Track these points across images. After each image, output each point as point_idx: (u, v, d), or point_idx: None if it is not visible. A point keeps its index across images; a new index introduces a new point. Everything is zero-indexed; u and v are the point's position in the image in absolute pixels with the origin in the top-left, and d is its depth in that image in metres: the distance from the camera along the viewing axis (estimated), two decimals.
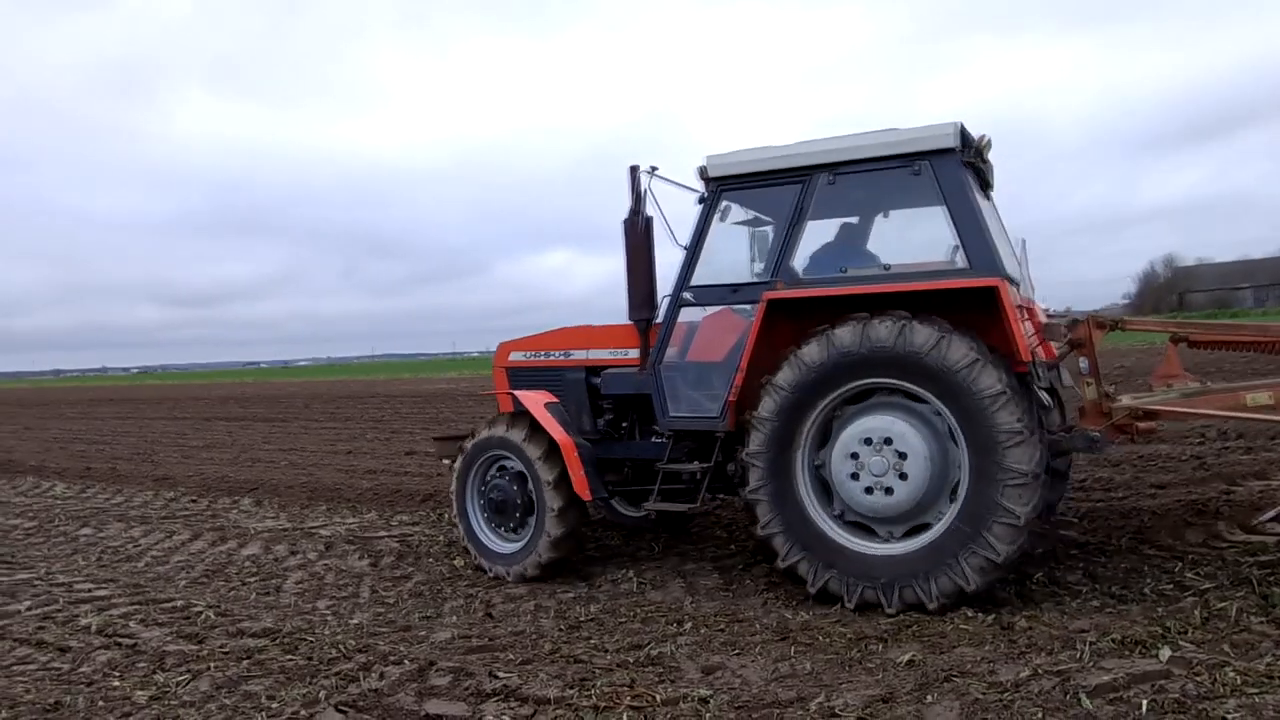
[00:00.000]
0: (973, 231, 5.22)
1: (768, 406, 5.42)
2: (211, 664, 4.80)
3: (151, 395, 41.98)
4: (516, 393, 6.64)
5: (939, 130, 5.35)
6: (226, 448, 16.38)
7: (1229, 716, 3.45)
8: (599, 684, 4.26)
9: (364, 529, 8.45)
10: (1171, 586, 5.22)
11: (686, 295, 6.06)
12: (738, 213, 6.23)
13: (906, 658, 4.36)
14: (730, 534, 7.40)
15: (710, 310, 6.16)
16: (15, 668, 4.97)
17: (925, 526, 5.21)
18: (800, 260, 5.78)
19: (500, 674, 4.43)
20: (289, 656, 4.88)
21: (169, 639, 5.30)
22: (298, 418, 22.67)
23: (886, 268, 5.71)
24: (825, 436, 5.46)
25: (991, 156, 5.98)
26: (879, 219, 6.26)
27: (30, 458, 16.29)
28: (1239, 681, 3.75)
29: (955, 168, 5.32)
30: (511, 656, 4.75)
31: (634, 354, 6.40)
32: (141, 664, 4.90)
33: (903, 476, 5.13)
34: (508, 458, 6.45)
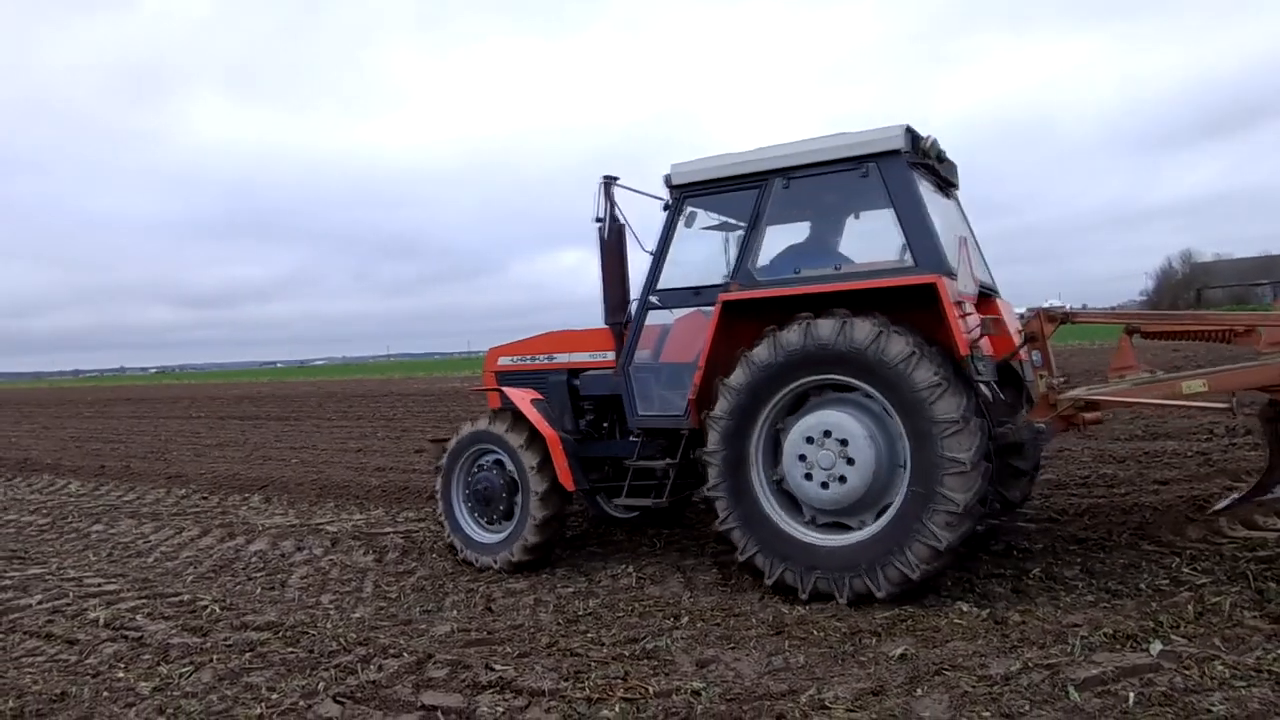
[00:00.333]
0: (918, 231, 5.36)
1: (722, 406, 5.62)
2: (214, 656, 4.89)
3: (168, 395, 42.37)
4: (505, 389, 6.90)
5: (885, 133, 5.50)
6: (239, 446, 16.54)
7: (1215, 709, 3.48)
8: (593, 676, 4.32)
9: (370, 525, 8.54)
10: (1168, 582, 5.23)
11: (653, 299, 6.27)
12: (706, 218, 6.40)
13: (899, 651, 4.39)
14: None
15: (681, 313, 6.32)
16: (24, 659, 5.08)
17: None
18: (758, 262, 5.94)
19: (497, 666, 4.49)
20: (290, 649, 4.96)
21: (174, 632, 5.39)
22: (310, 416, 22.84)
23: (837, 268, 5.89)
24: (778, 444, 5.63)
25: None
26: (844, 220, 6.39)
27: (46, 456, 16.49)
28: (1227, 675, 3.77)
29: (901, 169, 5.45)
30: (509, 649, 4.81)
31: (611, 356, 6.63)
32: (146, 656, 4.99)
33: (849, 462, 5.25)
34: (493, 451, 6.69)
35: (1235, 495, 5.92)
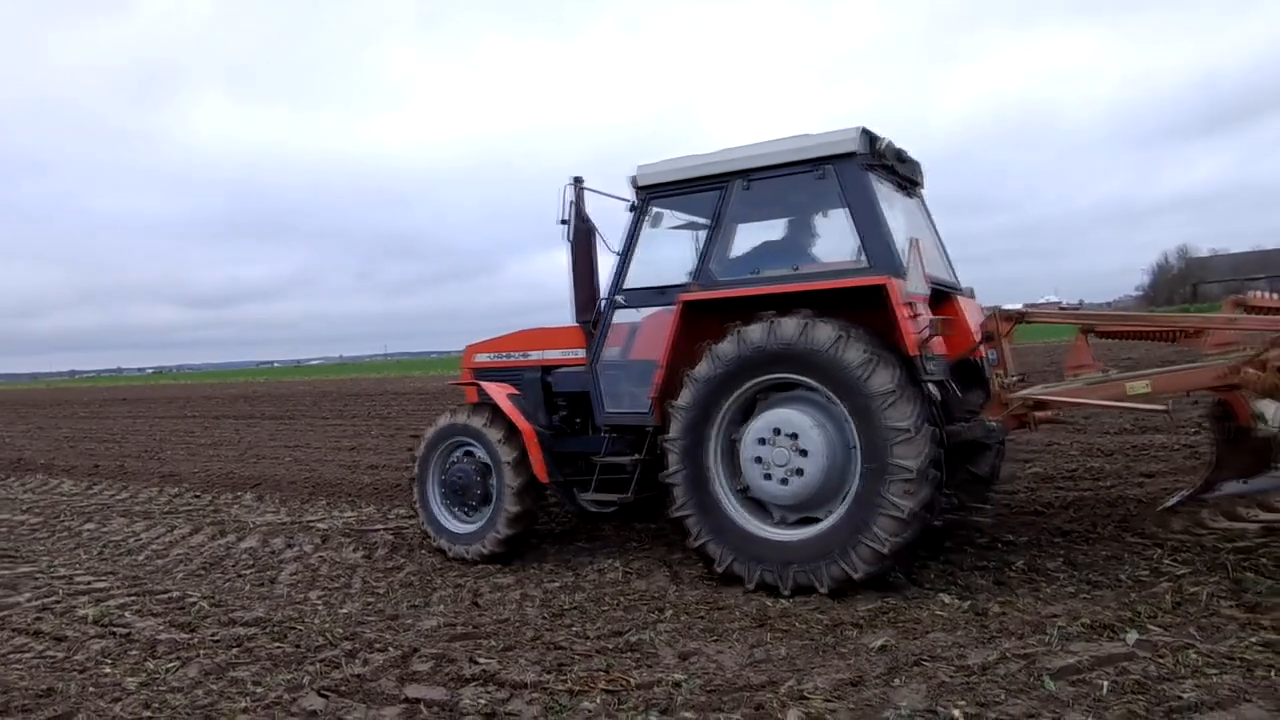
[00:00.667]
0: (872, 232, 5.46)
1: (685, 397, 5.72)
2: (201, 651, 4.92)
3: (164, 395, 42.33)
4: (482, 383, 7.03)
5: (841, 136, 5.60)
6: (233, 445, 16.55)
7: (1185, 696, 3.52)
8: (576, 669, 4.36)
9: (361, 522, 8.57)
10: (1148, 573, 5.27)
11: (619, 298, 6.38)
12: (673, 218, 6.50)
13: (879, 643, 4.43)
14: None
15: (649, 311, 6.39)
16: (11, 656, 5.09)
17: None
18: (720, 263, 6.05)
19: (481, 660, 4.53)
20: (277, 644, 4.99)
21: (162, 628, 5.42)
22: (305, 415, 22.85)
23: (796, 268, 5.99)
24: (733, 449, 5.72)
25: (911, 154, 6.28)
26: (803, 221, 6.46)
27: (40, 456, 16.50)
28: (1200, 663, 3.82)
29: (856, 171, 5.54)
30: (494, 643, 4.84)
31: (582, 354, 6.73)
32: (134, 652, 5.01)
33: (803, 454, 5.35)
34: (469, 443, 6.83)
35: (1184, 492, 6.04)
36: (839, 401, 5.28)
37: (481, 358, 7.58)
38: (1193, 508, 6.47)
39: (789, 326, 5.36)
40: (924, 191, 6.73)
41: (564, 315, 6.78)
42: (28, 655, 5.09)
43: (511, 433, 6.56)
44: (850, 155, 5.55)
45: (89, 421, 26.42)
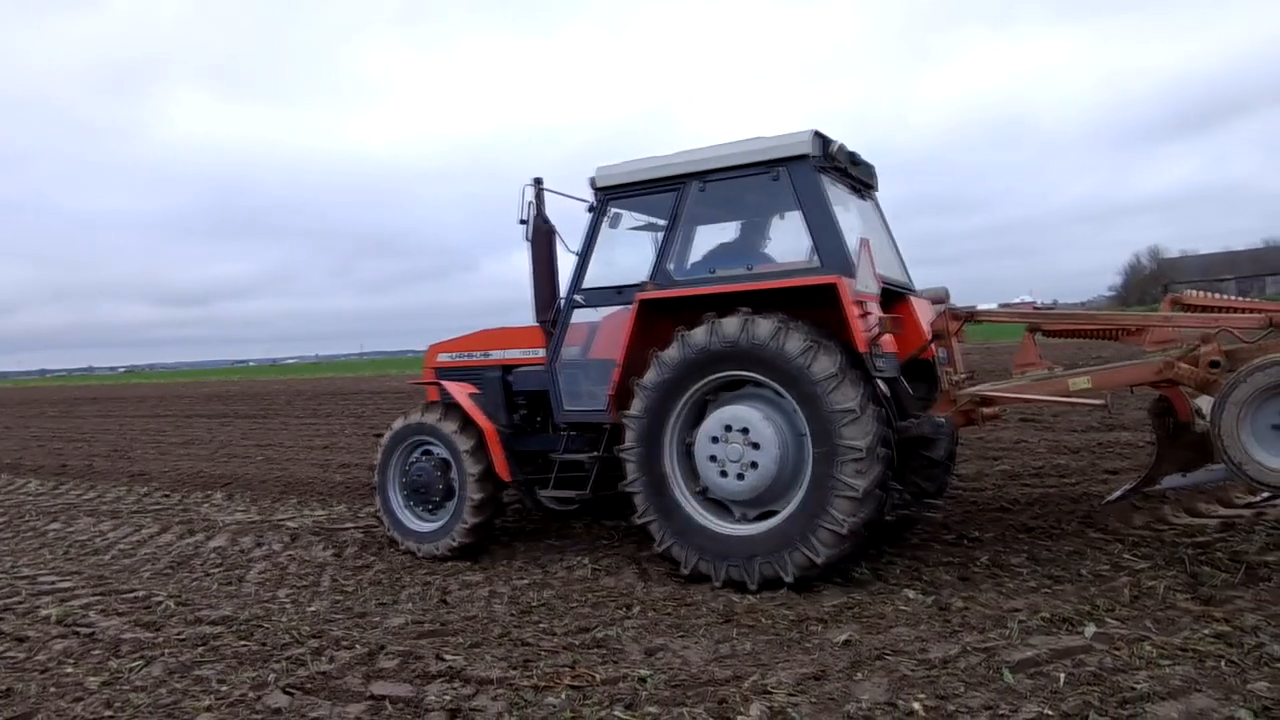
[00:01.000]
0: (824, 232, 5.55)
1: (637, 405, 5.82)
2: (166, 650, 4.88)
3: (135, 394, 41.82)
4: (443, 383, 7.09)
5: (795, 138, 5.69)
6: (204, 444, 16.40)
7: (1139, 687, 3.58)
8: (542, 665, 4.36)
9: (331, 521, 8.53)
10: (1109, 567, 5.36)
11: (577, 298, 6.44)
12: (632, 219, 6.55)
13: (843, 638, 4.48)
14: None
15: (608, 311, 6.45)
16: None
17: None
18: (676, 263, 6.13)
19: (447, 656, 4.53)
20: (243, 642, 4.95)
21: (126, 628, 5.36)
22: (279, 414, 22.67)
23: (749, 268, 6.08)
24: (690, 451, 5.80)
25: (865, 155, 6.43)
26: (759, 222, 6.56)
27: (6, 456, 16.28)
28: (1154, 654, 3.89)
29: (809, 173, 5.63)
30: (461, 640, 4.85)
31: (542, 353, 6.78)
32: (97, 651, 4.96)
33: (755, 447, 5.42)
34: (427, 441, 6.91)
35: (1126, 486, 6.19)
36: (786, 392, 5.38)
37: (444, 357, 7.63)
38: (1153, 503, 6.59)
39: (730, 325, 5.46)
40: (878, 194, 6.83)
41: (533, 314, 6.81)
42: None
43: (467, 423, 6.65)
44: (804, 158, 5.64)
45: (58, 421, 26.08)
